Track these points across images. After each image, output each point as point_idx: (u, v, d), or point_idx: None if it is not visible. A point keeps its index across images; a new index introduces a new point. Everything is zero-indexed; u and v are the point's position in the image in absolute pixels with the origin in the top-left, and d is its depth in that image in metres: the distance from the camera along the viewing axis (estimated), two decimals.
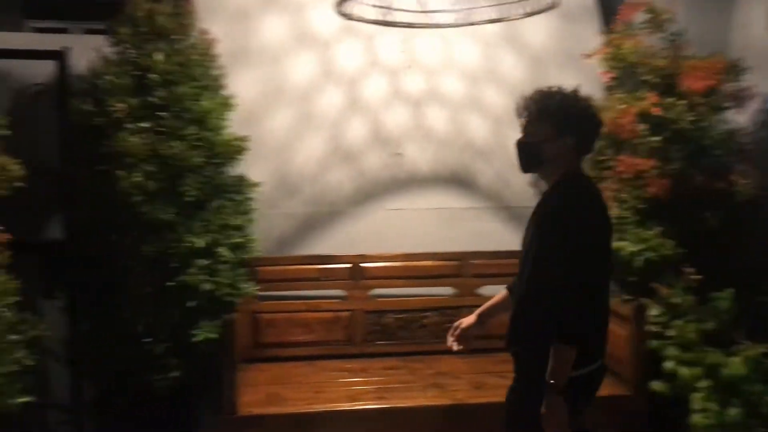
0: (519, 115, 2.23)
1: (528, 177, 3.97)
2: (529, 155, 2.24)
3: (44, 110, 3.32)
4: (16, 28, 4.81)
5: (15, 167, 1.80)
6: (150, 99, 3.20)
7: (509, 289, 2.52)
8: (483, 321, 2.56)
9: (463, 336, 2.54)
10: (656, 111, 3.33)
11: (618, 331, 3.52)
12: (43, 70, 3.32)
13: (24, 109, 3.31)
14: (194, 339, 3.22)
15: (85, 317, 3.26)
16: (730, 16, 4.23)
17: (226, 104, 3.45)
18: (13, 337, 1.70)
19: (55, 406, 3.25)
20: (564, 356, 2.08)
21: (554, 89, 2.21)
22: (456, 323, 2.57)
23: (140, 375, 3.22)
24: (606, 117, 3.47)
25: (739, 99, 3.56)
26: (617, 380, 3.52)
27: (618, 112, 3.39)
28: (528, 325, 2.23)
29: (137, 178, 3.09)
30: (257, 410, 3.19)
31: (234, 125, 3.51)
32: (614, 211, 3.56)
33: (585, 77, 3.94)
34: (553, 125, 2.14)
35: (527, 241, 2.30)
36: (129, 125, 3.16)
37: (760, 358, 3.09)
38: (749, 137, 3.65)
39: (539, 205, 2.27)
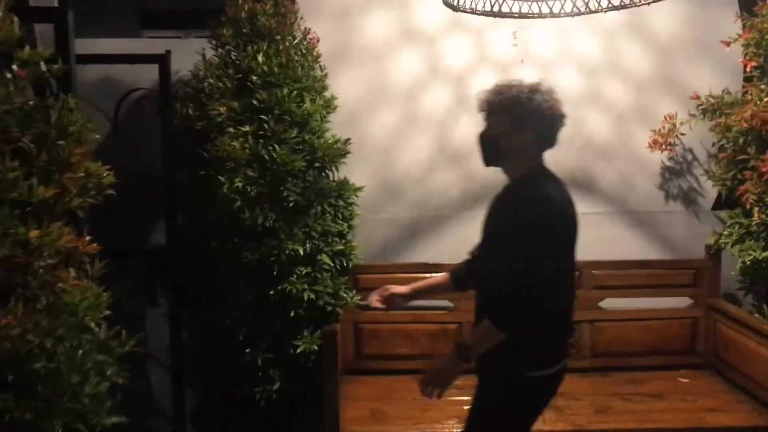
0: (479, 109, 2.24)
1: (654, 180, 3.73)
2: (489, 148, 2.24)
3: (147, 115, 3.30)
4: (133, 36, 4.94)
5: (106, 174, 1.70)
6: (252, 101, 3.10)
7: (453, 275, 2.50)
8: (413, 297, 2.55)
9: (389, 299, 2.49)
10: None
11: (760, 351, 3.12)
12: (147, 75, 3.30)
13: (128, 114, 3.31)
14: (295, 350, 3.09)
15: (187, 325, 3.21)
16: None
17: (328, 106, 3.32)
18: (101, 357, 1.59)
19: (157, 414, 3.20)
20: (493, 337, 2.10)
21: (514, 83, 2.21)
22: (387, 286, 2.52)
23: (241, 386, 3.13)
24: (748, 110, 3.07)
25: None
26: (758, 406, 3.10)
27: (764, 105, 2.98)
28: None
29: (238, 182, 2.99)
30: (360, 428, 3.02)
31: (336, 127, 3.37)
32: (757, 216, 3.16)
33: (720, 68, 3.60)
34: (511, 119, 2.15)
35: (488, 235, 2.29)
36: (230, 129, 3.08)
37: None
38: None
39: (501, 199, 2.27)
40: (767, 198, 3.10)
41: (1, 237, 1.38)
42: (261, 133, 3.09)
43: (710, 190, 3.68)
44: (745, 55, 3.23)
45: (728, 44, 3.28)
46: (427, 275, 3.59)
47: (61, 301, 1.54)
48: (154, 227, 3.35)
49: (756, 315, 3.28)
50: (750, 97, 3.15)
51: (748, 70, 3.23)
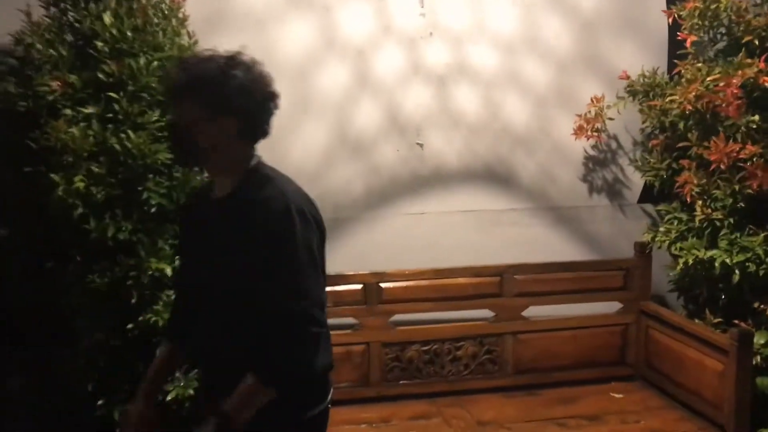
0: (166, 92, 1.87)
1: (578, 172, 3.34)
2: (183, 144, 1.74)
3: None
4: None
5: None
6: (96, 75, 2.37)
7: (173, 338, 1.91)
8: (151, 401, 1.90)
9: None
10: (766, 81, 2.55)
11: (709, 365, 2.78)
12: None
13: None
14: (164, 398, 2.39)
15: (17, 373, 2.43)
16: None
17: None
18: None
19: None
20: (263, 397, 1.64)
21: (207, 53, 1.72)
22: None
23: None
24: (693, 91, 2.70)
25: None
26: (711, 427, 2.77)
27: (712, 85, 2.61)
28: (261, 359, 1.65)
29: (79, 182, 2.25)
30: None
31: None
32: (700, 211, 2.80)
33: (648, 45, 3.26)
34: (207, 103, 1.66)
35: (206, 258, 1.75)
36: (67, 110, 2.33)
37: None
38: None
39: (224, 216, 1.72)
40: (713, 190, 2.75)
41: None
42: (110, 116, 2.38)
43: (636, 182, 3.34)
44: (684, 29, 2.87)
45: (670, 16, 2.91)
46: (327, 289, 3.03)
47: None
48: None
49: (696, 321, 2.94)
50: (691, 75, 2.78)
51: (687, 45, 2.87)
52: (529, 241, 3.29)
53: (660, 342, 3.13)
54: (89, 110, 2.35)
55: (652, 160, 3.10)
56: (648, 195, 3.31)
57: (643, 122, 3.16)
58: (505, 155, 3.27)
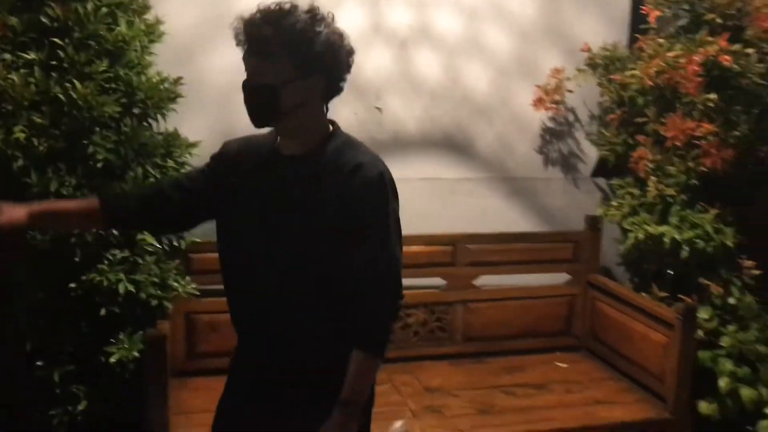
0: (246, 45, 1.57)
1: (534, 143, 3.34)
2: (263, 103, 1.57)
3: None
4: None
5: None
6: (39, 18, 2.21)
7: (114, 205, 1.70)
8: (34, 223, 1.65)
9: None
10: (726, 60, 2.57)
11: (654, 338, 2.85)
12: None
13: None
14: (108, 359, 2.31)
15: None
16: None
17: (152, 32, 2.50)
18: None
19: None
20: (375, 369, 1.62)
21: (286, 4, 1.54)
22: None
23: (34, 411, 2.31)
24: (654, 66, 2.71)
25: None
26: (653, 399, 2.85)
27: (674, 61, 2.62)
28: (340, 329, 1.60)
29: (19, 133, 2.12)
30: None
31: (163, 62, 2.58)
32: (653, 187, 2.84)
33: (611, 19, 3.25)
34: (299, 61, 1.53)
35: (285, 222, 1.60)
36: (6, 55, 2.19)
37: None
38: None
39: (320, 173, 1.58)
40: (667, 167, 2.78)
41: None
42: (54, 63, 2.23)
43: (591, 155, 3.36)
44: (648, 3, 2.86)
45: None
46: None
47: None
48: None
49: (643, 295, 3.00)
50: (652, 51, 2.79)
51: (651, 20, 2.86)
52: (483, 211, 3.28)
53: (606, 314, 3.19)
54: (31, 56, 2.21)
55: (608, 134, 3.11)
56: (602, 169, 3.33)
57: (602, 96, 3.17)
58: (465, 123, 3.24)
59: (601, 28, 3.25)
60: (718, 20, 2.71)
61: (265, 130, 1.67)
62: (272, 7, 1.54)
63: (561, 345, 3.33)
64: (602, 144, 3.17)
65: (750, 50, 2.67)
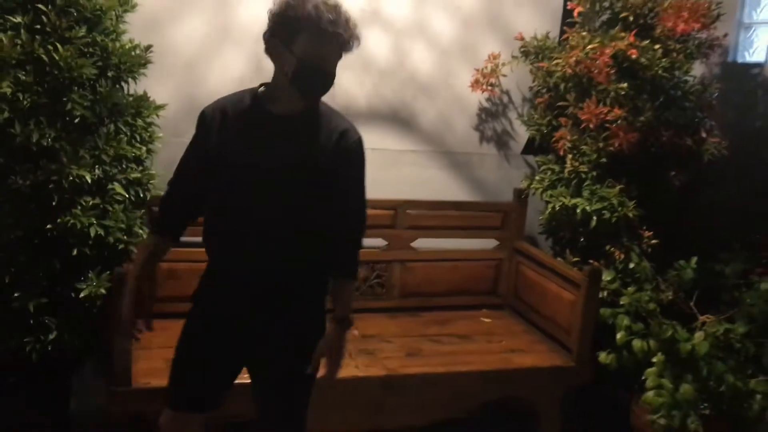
0: (351, 46, 1.94)
1: (472, 121, 3.68)
2: (328, 87, 1.99)
3: None
4: None
5: None
6: None
7: (167, 233, 2.17)
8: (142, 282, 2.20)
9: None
10: (633, 53, 2.95)
11: (565, 297, 3.24)
12: None
13: None
14: (77, 294, 2.60)
15: None
16: None
17: (126, 2, 2.75)
18: None
19: None
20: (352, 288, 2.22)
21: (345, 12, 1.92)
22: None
23: (7, 338, 2.59)
24: (573, 56, 3.08)
25: (711, 48, 3.27)
26: (561, 350, 3.25)
27: (590, 52, 2.99)
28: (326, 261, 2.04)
29: (6, 88, 2.37)
30: (154, 381, 2.65)
31: (135, 30, 2.83)
32: (570, 164, 3.22)
33: (545, 11, 3.60)
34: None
35: (286, 170, 1.95)
36: None
37: (722, 335, 2.88)
38: (717, 91, 3.38)
39: (311, 131, 1.97)
40: (582, 146, 3.16)
41: None
42: (38, 27, 2.47)
43: (522, 134, 3.71)
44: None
45: None
46: None
47: None
48: None
49: (558, 259, 3.39)
50: (575, 42, 3.15)
51: (575, 15, 3.22)
52: (423, 180, 3.61)
53: (527, 276, 3.57)
54: (17, 20, 2.44)
55: (536, 116, 3.47)
56: (531, 147, 3.69)
57: (533, 81, 3.52)
58: (409, 100, 3.56)
59: (537, 19, 3.58)
60: (631, 18, 3.08)
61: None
62: (346, 15, 1.90)
63: (487, 303, 3.70)
64: (531, 124, 3.52)
65: (656, 46, 3.05)
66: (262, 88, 2.02)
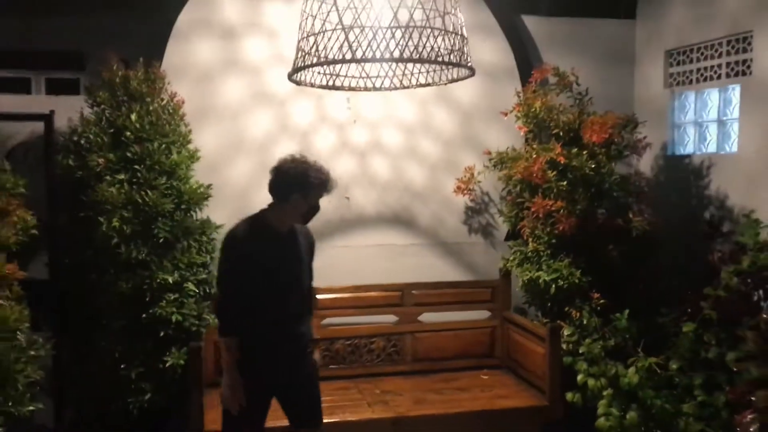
0: (326, 190, 3.07)
1: (460, 218, 4.65)
2: (313, 213, 3.12)
3: (33, 165, 3.74)
4: None
5: (31, 219, 2.25)
6: (126, 154, 3.66)
7: (237, 333, 3.01)
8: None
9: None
10: (561, 159, 3.92)
11: (538, 350, 4.07)
12: (28, 129, 3.76)
13: (15, 165, 3.72)
14: (165, 365, 3.63)
15: (67, 348, 3.65)
16: (633, 75, 4.93)
17: (192, 157, 3.93)
18: (25, 356, 2.13)
19: (41, 428, 3.60)
20: None
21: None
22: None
23: (117, 398, 3.62)
24: (521, 165, 4.06)
25: (636, 148, 4.20)
26: (536, 392, 4.05)
27: (533, 161, 3.97)
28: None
29: (116, 222, 3.53)
30: (219, 427, 3.61)
31: (199, 174, 4.00)
32: (531, 245, 4.14)
33: (507, 130, 4.60)
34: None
35: (298, 264, 3.12)
36: (108, 177, 3.62)
37: (651, 367, 3.66)
38: (645, 180, 4.28)
39: (299, 237, 3.12)
40: (537, 231, 4.09)
41: None
42: (134, 180, 3.66)
43: (502, 225, 4.66)
44: (518, 121, 4.24)
45: (505, 114, 4.29)
46: None
47: None
48: (39, 263, 3.75)
49: (534, 322, 4.25)
50: (526, 154, 4.14)
51: (522, 134, 4.24)
52: (424, 266, 4.58)
53: (514, 339, 4.41)
54: (121, 177, 3.64)
55: (507, 210, 4.43)
56: (510, 235, 4.63)
57: (502, 184, 4.50)
58: (408, 205, 4.59)
59: (504, 136, 4.60)
60: (561, 133, 4.06)
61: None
62: (320, 168, 3.04)
63: (486, 364, 4.54)
64: (506, 217, 4.47)
65: (584, 152, 4.01)
66: (263, 215, 3.07)
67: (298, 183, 2.97)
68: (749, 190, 4.00)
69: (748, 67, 4.06)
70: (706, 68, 4.42)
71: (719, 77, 4.31)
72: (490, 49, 4.63)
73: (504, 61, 4.65)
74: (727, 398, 3.38)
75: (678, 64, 4.64)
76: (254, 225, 3.04)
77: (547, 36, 4.79)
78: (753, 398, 3.18)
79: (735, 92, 4.24)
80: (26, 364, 2.13)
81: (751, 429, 3.13)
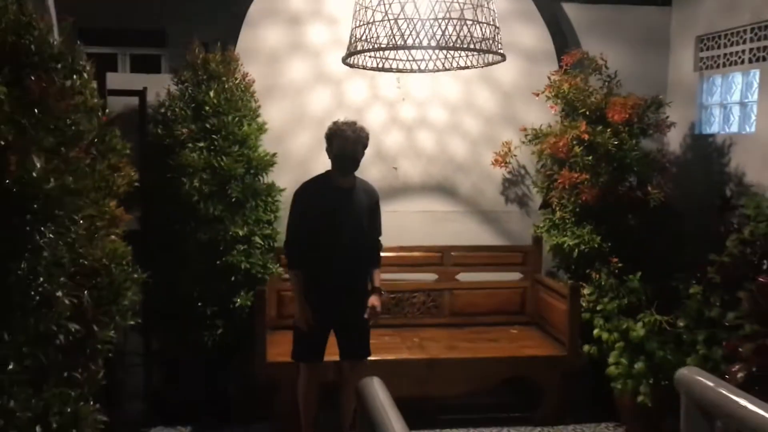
0: (361, 146, 3.77)
1: (498, 188, 5.13)
2: (356, 166, 3.79)
3: (128, 133, 4.41)
4: None
5: (134, 174, 2.89)
6: (205, 125, 4.30)
7: (303, 268, 3.80)
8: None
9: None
10: (585, 136, 4.36)
11: (559, 306, 4.56)
12: (125, 102, 4.43)
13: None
14: (234, 305, 4.29)
15: (155, 289, 4.34)
16: (667, 58, 5.27)
17: (260, 128, 4.55)
18: (129, 280, 2.77)
19: (132, 353, 4.32)
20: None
21: (355, 124, 3.81)
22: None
23: (194, 332, 4.30)
24: (551, 141, 4.52)
25: (660, 126, 4.59)
26: (558, 344, 4.54)
27: (558, 137, 4.42)
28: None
29: (196, 183, 4.19)
30: (280, 359, 4.25)
31: (267, 144, 4.61)
32: (558, 213, 4.60)
33: (544, 110, 5.03)
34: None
35: (354, 214, 3.76)
36: (190, 144, 4.27)
37: (658, 323, 4.10)
38: (668, 156, 4.67)
39: (359, 193, 3.81)
40: (563, 201, 4.55)
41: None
42: (212, 147, 4.30)
43: (536, 196, 5.12)
44: (548, 101, 4.68)
45: (537, 95, 4.73)
46: None
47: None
48: (132, 216, 4.43)
49: (560, 282, 4.73)
50: (557, 130, 4.59)
51: (553, 113, 4.68)
52: (463, 231, 5.08)
53: (542, 298, 4.90)
54: (201, 145, 4.28)
55: (538, 182, 4.89)
56: (543, 204, 5.09)
57: (537, 158, 4.96)
58: (450, 176, 5.10)
59: (540, 115, 5.03)
60: (587, 112, 4.48)
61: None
62: (354, 125, 3.75)
63: (517, 321, 5.04)
64: (539, 188, 4.94)
65: (608, 130, 4.43)
66: (327, 173, 3.76)
67: (326, 136, 3.74)
68: (763, 168, 4.34)
69: None
70: (731, 53, 4.74)
71: (743, 62, 4.63)
72: (529, 35, 5.06)
73: (543, 45, 5.08)
74: (724, 352, 3.81)
75: (707, 49, 4.97)
76: (318, 180, 3.81)
77: (586, 22, 5.17)
78: (741, 350, 3.62)
79: (756, 76, 4.56)
80: (131, 286, 2.76)
81: (739, 376, 3.57)
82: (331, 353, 3.88)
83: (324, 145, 3.78)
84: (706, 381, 2.56)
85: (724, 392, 2.47)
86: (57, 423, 1.89)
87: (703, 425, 2.56)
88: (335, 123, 3.77)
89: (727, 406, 2.43)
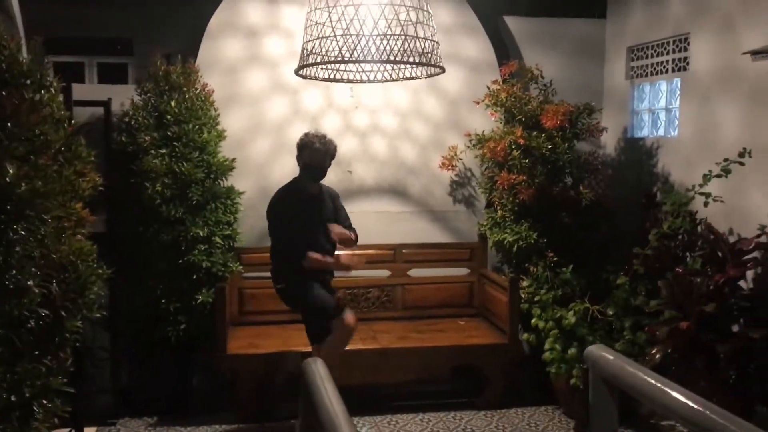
0: (330, 156, 4.23)
1: (446, 190, 5.48)
2: (324, 174, 4.25)
3: (93, 142, 4.67)
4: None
5: (98, 179, 3.18)
6: (167, 133, 4.58)
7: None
8: None
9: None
10: (521, 141, 4.72)
11: (501, 298, 4.92)
12: (89, 112, 4.69)
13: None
14: (196, 302, 4.57)
15: (121, 287, 4.61)
16: (602, 68, 5.67)
17: (220, 136, 4.84)
18: (94, 275, 3.04)
19: (100, 348, 4.58)
20: None
21: (323, 136, 4.25)
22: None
23: (158, 328, 4.57)
24: (490, 146, 4.88)
25: (592, 131, 4.97)
26: (500, 333, 4.89)
27: (496, 142, 4.78)
28: None
29: (159, 187, 4.47)
30: (240, 351, 4.55)
31: (226, 150, 4.90)
32: (499, 212, 4.96)
33: (487, 116, 5.40)
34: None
35: (329, 217, 4.25)
36: (152, 151, 4.55)
37: (588, 311, 4.47)
38: (600, 159, 5.06)
39: (325, 193, 4.30)
40: (503, 200, 4.91)
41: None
42: (174, 154, 4.58)
43: (481, 196, 5.47)
44: (487, 109, 5.05)
45: (478, 103, 5.10)
46: None
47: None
48: (98, 219, 4.69)
49: (503, 276, 5.08)
50: (495, 137, 4.95)
51: (494, 119, 5.05)
52: (415, 230, 5.41)
53: (487, 291, 5.26)
54: (163, 151, 4.56)
55: (482, 183, 5.25)
56: (488, 204, 5.44)
57: (480, 162, 5.31)
58: (402, 179, 5.43)
59: (485, 121, 5.39)
60: (524, 119, 4.85)
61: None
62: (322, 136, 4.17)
63: (465, 313, 5.38)
64: (483, 189, 5.29)
65: (542, 135, 4.80)
66: (293, 180, 4.14)
67: (297, 146, 4.11)
68: (685, 169, 4.74)
69: (687, 63, 4.79)
70: (657, 63, 5.15)
71: (667, 71, 5.04)
72: (473, 47, 5.42)
73: (486, 56, 5.44)
74: (646, 336, 4.19)
75: (637, 59, 5.37)
76: (291, 189, 4.20)
77: (526, 34, 5.55)
78: (658, 333, 4.00)
79: (678, 84, 4.97)
80: (95, 281, 3.03)
81: (657, 357, 3.95)
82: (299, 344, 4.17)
83: (289, 152, 4.16)
84: (608, 356, 2.92)
85: (622, 364, 2.83)
86: (30, 393, 2.17)
87: (606, 393, 2.92)
88: (306, 135, 4.15)
89: (626, 377, 2.79)
